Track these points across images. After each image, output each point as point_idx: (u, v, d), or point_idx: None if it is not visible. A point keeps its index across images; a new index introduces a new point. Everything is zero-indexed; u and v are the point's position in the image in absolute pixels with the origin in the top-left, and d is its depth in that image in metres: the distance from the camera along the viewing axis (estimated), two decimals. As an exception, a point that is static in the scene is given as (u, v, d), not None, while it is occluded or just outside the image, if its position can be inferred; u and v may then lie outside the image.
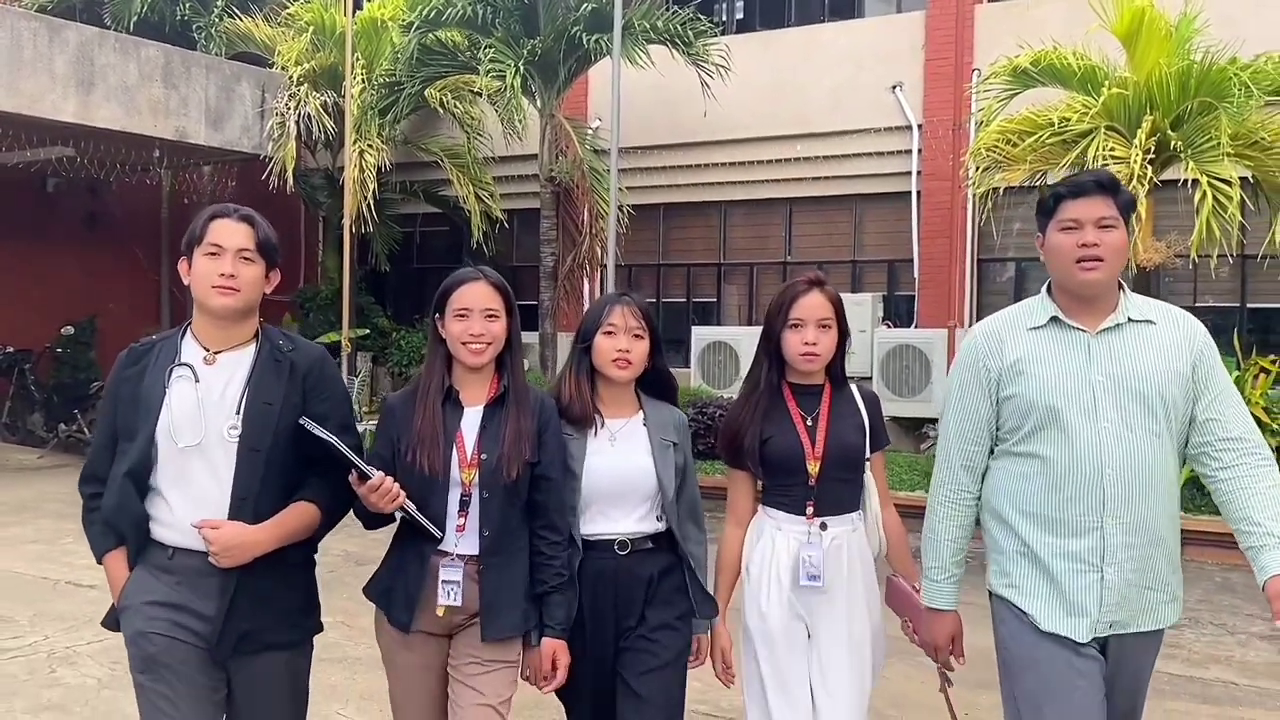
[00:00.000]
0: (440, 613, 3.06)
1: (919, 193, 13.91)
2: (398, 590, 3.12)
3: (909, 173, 13.99)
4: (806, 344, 3.35)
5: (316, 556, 3.18)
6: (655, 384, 3.41)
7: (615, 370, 3.28)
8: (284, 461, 2.95)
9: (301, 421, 2.91)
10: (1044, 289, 3.10)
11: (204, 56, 14.57)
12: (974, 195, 11.40)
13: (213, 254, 2.93)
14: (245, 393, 2.94)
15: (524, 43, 13.09)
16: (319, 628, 3.17)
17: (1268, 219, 10.29)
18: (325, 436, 2.89)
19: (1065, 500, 2.94)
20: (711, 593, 3.39)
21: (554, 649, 3.13)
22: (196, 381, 2.93)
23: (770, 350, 3.45)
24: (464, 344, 3.11)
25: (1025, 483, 3.02)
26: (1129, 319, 2.99)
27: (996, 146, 10.53)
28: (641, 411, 3.36)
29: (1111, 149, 9.63)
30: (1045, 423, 2.96)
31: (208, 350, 2.98)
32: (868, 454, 3.46)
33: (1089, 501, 2.92)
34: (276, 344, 3.03)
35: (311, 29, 14.76)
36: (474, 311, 3.12)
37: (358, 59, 13.76)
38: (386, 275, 16.87)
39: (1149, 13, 9.95)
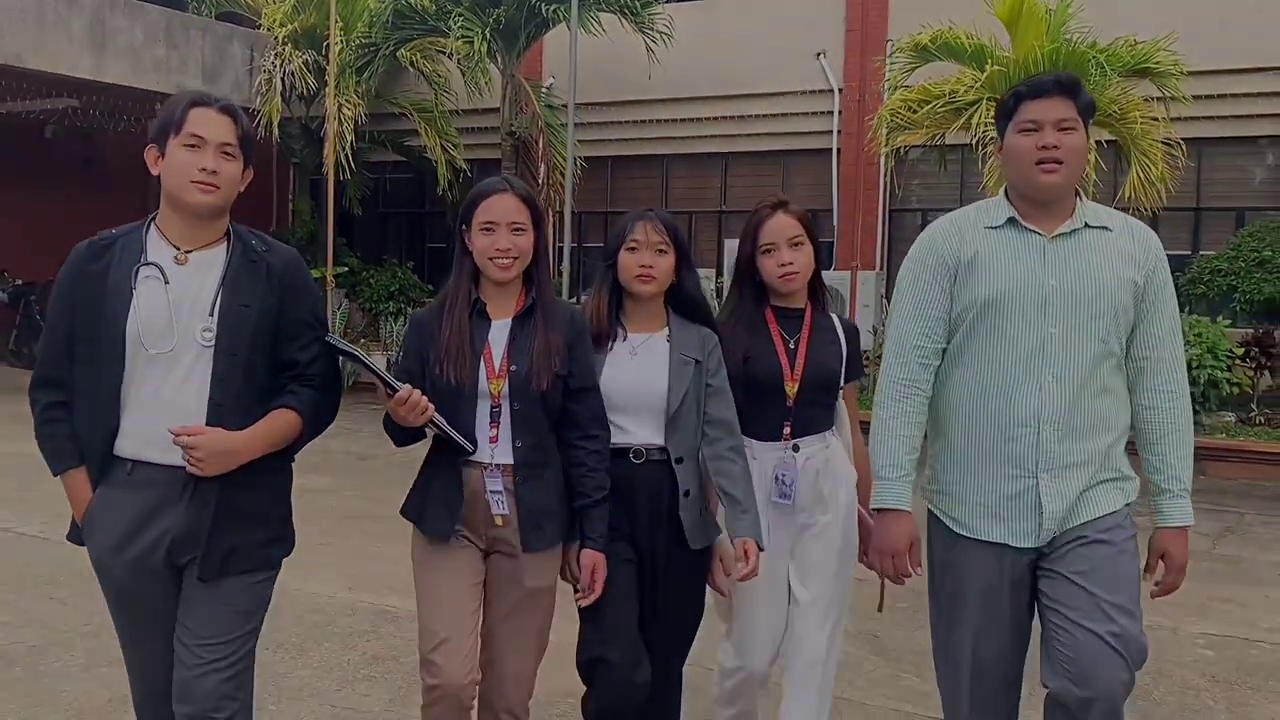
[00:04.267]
0: (499, 522, 2.96)
1: (838, 150, 15.34)
2: (433, 504, 3.01)
3: (830, 132, 15.42)
4: (783, 265, 3.30)
5: (291, 467, 2.97)
6: (685, 303, 3.28)
7: (639, 285, 3.18)
8: (261, 367, 2.75)
9: (328, 338, 2.80)
10: (1001, 191, 2.99)
11: (200, 19, 15.62)
12: (883, 154, 12.87)
13: (192, 146, 2.68)
14: (220, 294, 2.70)
15: (489, 11, 14.32)
16: (292, 546, 2.95)
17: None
18: (353, 351, 2.80)
19: (1004, 404, 2.86)
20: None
21: (594, 561, 3.03)
22: (166, 283, 2.68)
23: (745, 279, 3.41)
24: (490, 259, 2.97)
25: (965, 386, 2.93)
26: (1085, 224, 2.89)
27: (899, 112, 12.05)
28: (667, 328, 3.24)
29: (993, 117, 11.17)
30: (992, 325, 2.86)
31: (177, 249, 2.72)
32: (843, 382, 3.44)
33: (1028, 407, 2.83)
34: (249, 243, 2.79)
35: (295, -7, 15.76)
36: (500, 225, 2.96)
37: (337, 21, 14.75)
38: (356, 218, 17.90)
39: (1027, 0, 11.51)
